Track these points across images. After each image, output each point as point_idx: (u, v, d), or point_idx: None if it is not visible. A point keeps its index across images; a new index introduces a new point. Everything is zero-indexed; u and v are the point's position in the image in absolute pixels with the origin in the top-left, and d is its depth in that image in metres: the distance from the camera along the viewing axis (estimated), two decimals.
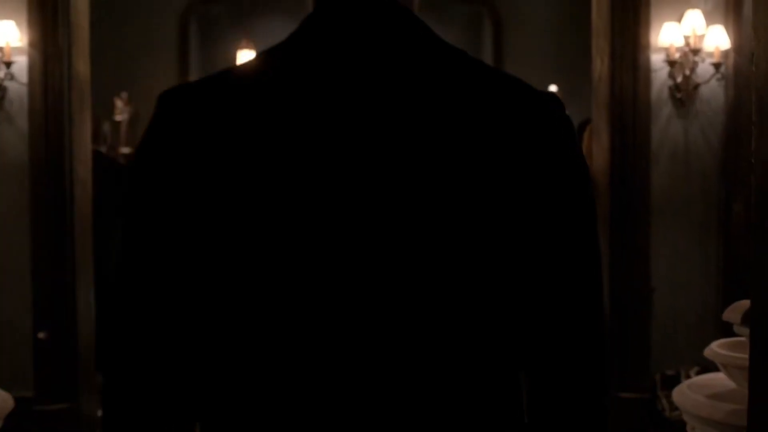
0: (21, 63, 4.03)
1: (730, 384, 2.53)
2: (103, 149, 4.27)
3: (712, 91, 4.52)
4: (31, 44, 3.96)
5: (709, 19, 4.39)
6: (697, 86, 4.48)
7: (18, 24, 4.00)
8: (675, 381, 3.74)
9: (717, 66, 4.47)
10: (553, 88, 13.34)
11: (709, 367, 3.32)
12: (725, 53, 4.46)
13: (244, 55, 12.78)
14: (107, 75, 13.22)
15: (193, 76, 14.16)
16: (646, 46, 4.17)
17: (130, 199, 0.74)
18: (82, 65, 3.21)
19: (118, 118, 12.98)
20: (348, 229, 0.69)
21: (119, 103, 12.87)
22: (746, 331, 2.20)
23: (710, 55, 4.44)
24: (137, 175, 0.76)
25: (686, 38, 4.36)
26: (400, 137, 0.70)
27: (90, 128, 3.23)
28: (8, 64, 4.00)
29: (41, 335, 3.34)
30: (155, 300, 0.74)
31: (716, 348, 2.62)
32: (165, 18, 13.33)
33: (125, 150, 13.13)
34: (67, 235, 3.17)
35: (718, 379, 2.69)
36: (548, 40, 13.79)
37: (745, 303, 2.31)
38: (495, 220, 0.73)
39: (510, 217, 0.73)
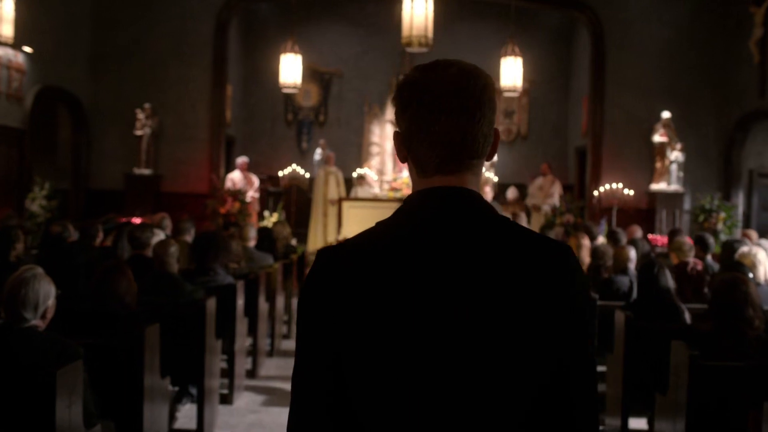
0: None
1: None
2: None
3: None
4: None
5: None
6: None
7: None
8: None
9: None
10: (665, 114, 11.09)
11: None
12: None
13: (289, 61, 10.60)
14: (131, 83, 11.33)
15: (231, 84, 12.19)
16: None
17: (300, 329, 1.23)
18: None
19: (139, 132, 11.00)
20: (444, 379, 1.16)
21: (141, 116, 10.91)
22: None
23: None
24: (304, 311, 1.23)
25: None
26: (469, 299, 1.17)
27: None
28: None
29: None
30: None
31: None
32: (201, 18, 11.39)
33: (145, 171, 11.10)
34: None
35: None
36: (660, 62, 11.44)
37: None
38: (527, 354, 1.17)
39: (536, 349, 1.17)
